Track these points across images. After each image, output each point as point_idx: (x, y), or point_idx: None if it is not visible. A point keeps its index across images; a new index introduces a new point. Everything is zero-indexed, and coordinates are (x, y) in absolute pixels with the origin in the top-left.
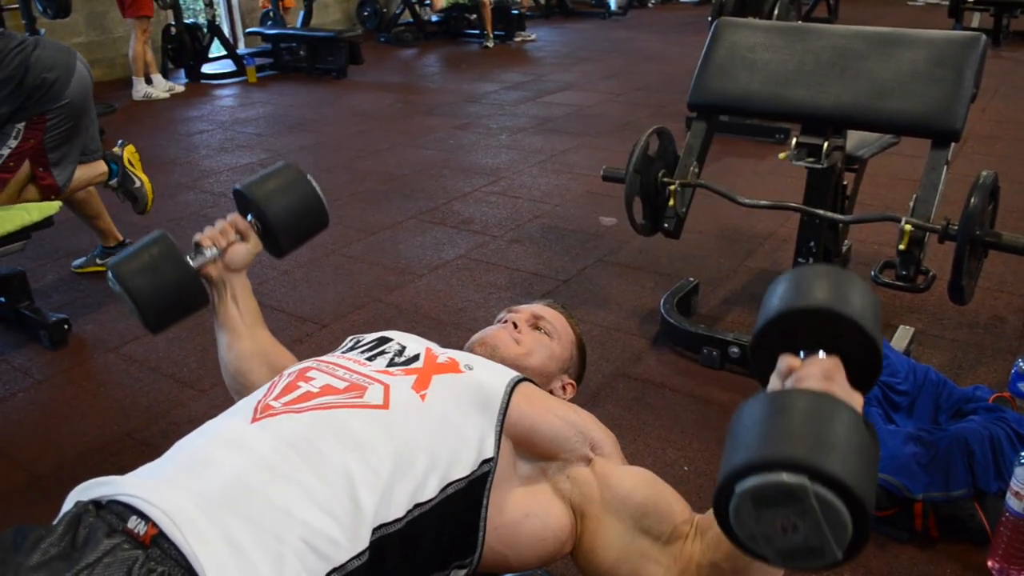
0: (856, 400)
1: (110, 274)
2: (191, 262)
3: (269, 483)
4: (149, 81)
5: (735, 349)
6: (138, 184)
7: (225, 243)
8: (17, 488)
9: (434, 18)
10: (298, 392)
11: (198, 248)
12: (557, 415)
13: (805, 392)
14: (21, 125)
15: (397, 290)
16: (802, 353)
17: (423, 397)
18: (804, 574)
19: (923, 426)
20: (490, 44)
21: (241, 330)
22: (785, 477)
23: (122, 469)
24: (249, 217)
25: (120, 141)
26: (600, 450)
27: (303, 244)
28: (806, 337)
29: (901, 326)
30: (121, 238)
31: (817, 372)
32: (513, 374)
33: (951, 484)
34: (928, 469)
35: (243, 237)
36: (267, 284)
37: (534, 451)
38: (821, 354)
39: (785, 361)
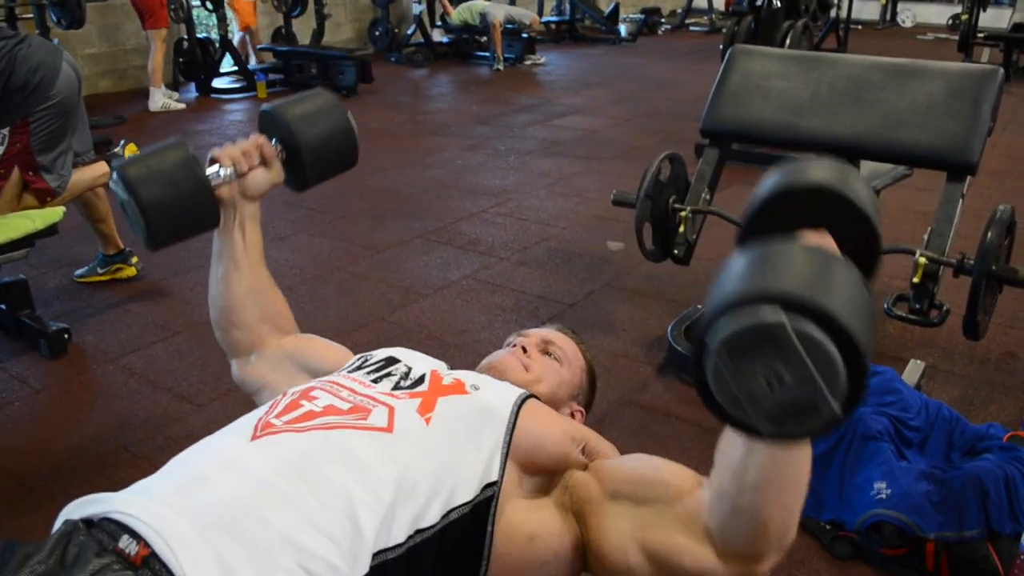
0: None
1: (115, 176)
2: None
3: (266, 504)
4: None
5: None
6: None
7: (247, 166)
8: (8, 499)
9: (444, 39)
10: (300, 411)
11: (213, 164)
12: (561, 429)
13: (794, 243)
14: (6, 131)
15: (401, 309)
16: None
17: (428, 420)
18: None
19: (936, 464)
20: (500, 66)
21: (242, 263)
22: (758, 312)
23: (117, 483)
24: (274, 142)
25: (122, 141)
26: (598, 456)
27: (327, 180)
28: (801, 220)
29: (912, 360)
30: (122, 246)
31: (810, 236)
32: (520, 391)
33: (964, 524)
34: (941, 508)
35: (266, 163)
36: None
37: (538, 468)
38: None
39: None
